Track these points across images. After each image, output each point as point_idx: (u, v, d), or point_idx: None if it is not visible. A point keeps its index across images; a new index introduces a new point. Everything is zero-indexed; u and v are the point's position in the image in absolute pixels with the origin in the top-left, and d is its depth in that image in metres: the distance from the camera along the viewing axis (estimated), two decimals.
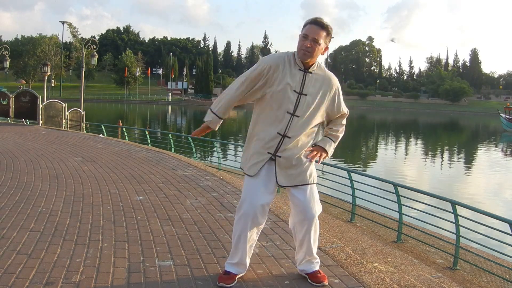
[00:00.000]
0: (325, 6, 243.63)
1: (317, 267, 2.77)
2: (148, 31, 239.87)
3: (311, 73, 2.57)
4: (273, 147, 2.57)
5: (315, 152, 2.66)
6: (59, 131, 13.10)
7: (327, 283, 2.71)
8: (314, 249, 2.74)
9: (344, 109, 2.73)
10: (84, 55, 23.59)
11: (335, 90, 2.66)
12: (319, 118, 2.65)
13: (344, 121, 2.77)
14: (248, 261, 2.77)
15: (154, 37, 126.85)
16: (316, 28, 2.49)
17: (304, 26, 2.53)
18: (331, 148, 2.71)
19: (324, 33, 2.50)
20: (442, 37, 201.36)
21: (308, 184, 2.63)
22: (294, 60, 2.56)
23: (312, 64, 2.57)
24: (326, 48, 2.57)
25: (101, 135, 14.04)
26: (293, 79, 2.53)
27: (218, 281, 2.68)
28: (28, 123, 15.64)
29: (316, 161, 2.70)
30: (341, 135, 2.76)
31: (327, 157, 2.72)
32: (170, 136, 14.49)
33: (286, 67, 2.54)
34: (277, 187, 2.73)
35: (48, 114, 15.34)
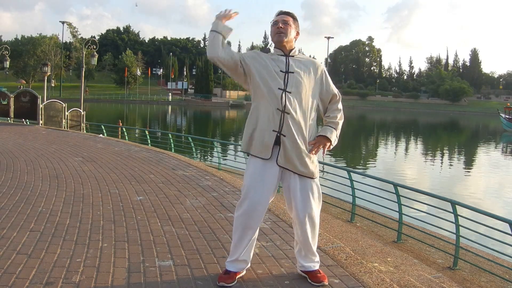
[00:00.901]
0: (325, 6, 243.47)
1: (317, 267, 2.78)
2: (148, 31, 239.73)
3: (293, 56, 2.72)
4: (277, 124, 2.60)
5: (317, 145, 2.68)
6: (59, 131, 13.10)
7: (327, 283, 2.71)
8: (313, 246, 2.75)
9: (334, 89, 2.79)
10: (84, 55, 23.59)
11: (322, 71, 2.76)
12: (312, 99, 2.70)
13: (339, 106, 2.80)
14: (250, 256, 2.78)
15: (154, 37, 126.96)
16: (281, 14, 2.73)
17: (272, 21, 2.75)
18: (333, 136, 2.71)
19: (290, 18, 2.71)
20: (442, 37, 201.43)
21: (308, 177, 2.66)
22: (275, 52, 2.74)
23: (292, 50, 2.73)
24: (298, 34, 2.76)
25: (101, 135, 14.04)
26: (278, 62, 2.68)
27: (218, 280, 2.68)
28: (28, 123, 15.64)
29: (321, 153, 2.74)
30: (341, 122, 2.77)
31: (331, 146, 2.72)
32: (170, 136, 14.49)
33: (266, 57, 2.70)
34: (278, 185, 2.74)
35: (48, 114, 15.34)
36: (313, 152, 2.67)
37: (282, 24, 2.66)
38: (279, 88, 2.61)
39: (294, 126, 2.61)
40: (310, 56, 2.87)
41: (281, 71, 2.64)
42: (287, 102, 2.60)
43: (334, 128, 2.72)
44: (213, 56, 2.63)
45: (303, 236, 2.70)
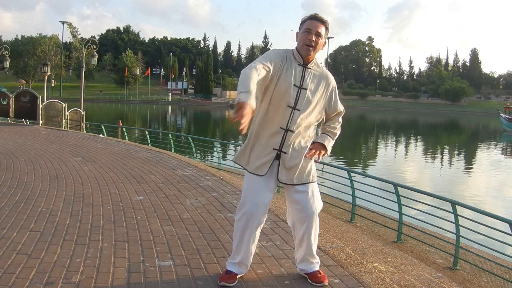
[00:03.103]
0: (326, 6, 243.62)
1: (317, 267, 2.78)
2: (149, 31, 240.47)
3: (309, 68, 2.62)
4: (278, 142, 2.59)
5: (314, 150, 2.66)
6: (59, 131, 13.10)
7: (327, 283, 2.72)
8: (314, 248, 2.75)
9: (340, 107, 2.76)
10: (84, 55, 23.58)
11: (332, 88, 2.70)
12: (318, 114, 2.67)
13: (340, 119, 2.79)
14: (250, 261, 2.77)
15: (154, 37, 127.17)
16: (317, 22, 2.57)
17: (303, 22, 2.60)
18: (329, 145, 2.71)
19: (324, 28, 2.58)
20: (442, 37, 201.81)
21: (309, 183, 2.65)
22: (293, 57, 2.61)
23: (311, 60, 2.63)
24: (325, 43, 2.65)
25: (101, 135, 14.04)
26: (294, 73, 2.58)
27: (219, 280, 2.68)
28: (28, 123, 15.64)
29: (316, 160, 2.72)
30: (338, 133, 2.77)
31: (326, 155, 2.72)
32: (170, 136, 14.50)
33: (288, 62, 2.59)
34: (277, 186, 2.74)
35: (48, 114, 15.34)
36: (308, 155, 2.65)
37: (315, 37, 2.55)
38: (288, 106, 2.56)
39: (294, 142, 2.60)
40: (320, 64, 2.74)
41: (295, 85, 2.57)
42: (293, 120, 2.57)
43: (331, 138, 2.73)
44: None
45: (306, 239, 2.70)
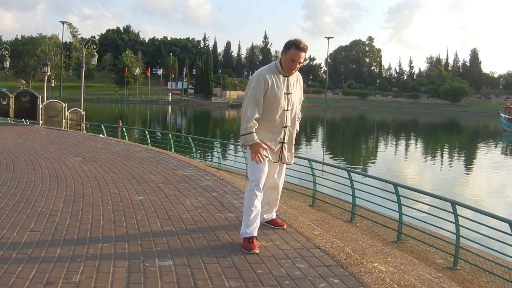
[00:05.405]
0: (326, 6, 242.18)
1: (275, 216, 3.80)
2: (149, 31, 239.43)
3: (290, 76, 3.36)
4: (282, 137, 3.42)
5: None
6: (59, 131, 13.10)
7: (285, 227, 3.70)
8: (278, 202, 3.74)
9: (303, 96, 3.62)
10: (84, 55, 23.57)
11: (301, 82, 3.51)
12: (298, 108, 3.52)
13: (300, 107, 3.60)
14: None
15: (154, 37, 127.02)
16: (300, 53, 3.22)
17: (288, 47, 3.22)
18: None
19: (304, 54, 3.26)
20: (443, 37, 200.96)
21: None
22: (277, 69, 3.32)
23: None
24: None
25: (101, 135, 14.04)
26: (282, 84, 3.32)
27: (247, 249, 3.18)
28: (28, 123, 15.64)
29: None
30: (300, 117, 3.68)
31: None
32: (170, 136, 14.50)
33: (274, 76, 3.29)
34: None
35: (48, 114, 15.33)
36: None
37: (298, 66, 3.25)
38: (284, 110, 3.33)
39: (291, 133, 3.46)
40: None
41: (284, 93, 3.32)
42: (287, 119, 3.38)
43: (299, 122, 3.62)
44: None
45: (275, 197, 3.66)
